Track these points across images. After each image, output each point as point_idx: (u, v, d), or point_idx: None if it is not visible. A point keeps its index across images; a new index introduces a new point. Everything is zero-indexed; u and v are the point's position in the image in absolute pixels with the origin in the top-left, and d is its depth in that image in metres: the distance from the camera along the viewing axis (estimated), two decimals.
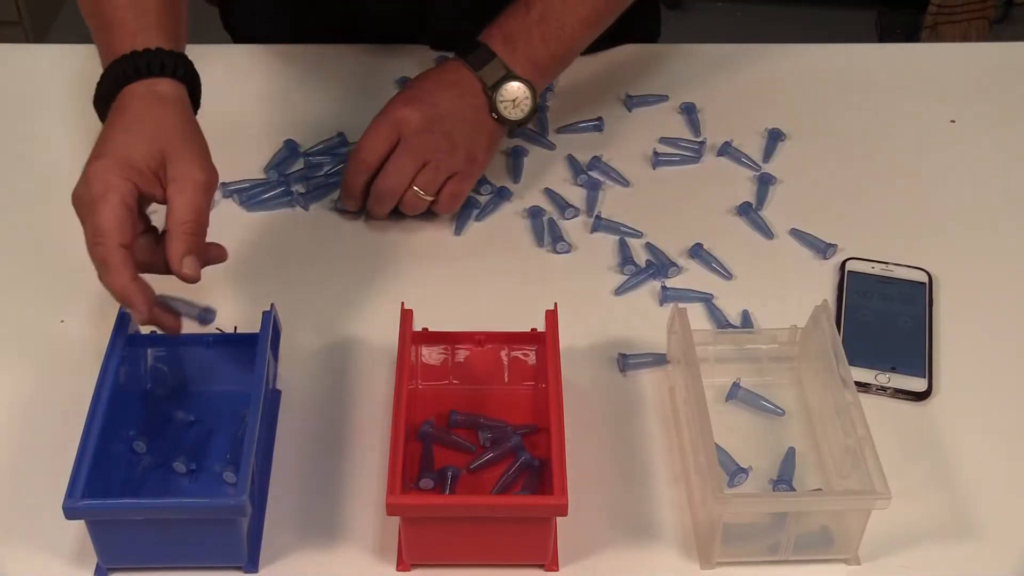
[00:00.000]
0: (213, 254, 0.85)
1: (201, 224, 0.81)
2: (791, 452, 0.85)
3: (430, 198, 1.00)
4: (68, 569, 0.79)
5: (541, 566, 0.79)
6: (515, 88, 1.01)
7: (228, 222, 1.05)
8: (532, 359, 0.89)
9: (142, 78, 0.84)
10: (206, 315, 0.84)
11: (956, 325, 0.96)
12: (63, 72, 1.21)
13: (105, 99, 0.86)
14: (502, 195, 1.08)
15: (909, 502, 0.82)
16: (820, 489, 0.83)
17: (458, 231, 1.04)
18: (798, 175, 1.11)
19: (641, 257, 1.02)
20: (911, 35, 2.67)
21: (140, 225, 0.82)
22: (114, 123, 0.83)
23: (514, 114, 1.01)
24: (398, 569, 0.79)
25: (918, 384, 0.90)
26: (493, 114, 1.01)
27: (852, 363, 0.90)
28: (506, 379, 0.89)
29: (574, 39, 1.04)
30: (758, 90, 1.20)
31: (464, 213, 1.05)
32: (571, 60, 1.06)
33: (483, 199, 1.07)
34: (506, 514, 0.76)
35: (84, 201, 0.81)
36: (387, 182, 0.99)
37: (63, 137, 1.14)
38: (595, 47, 1.21)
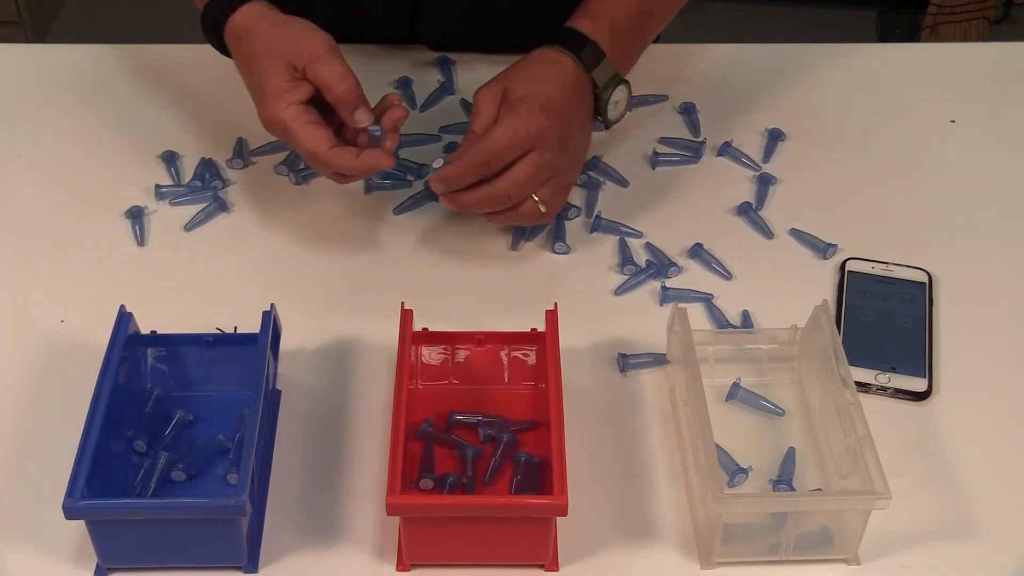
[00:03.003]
0: (388, 106, 0.96)
1: (350, 82, 0.93)
2: (791, 452, 0.85)
3: (544, 209, 0.95)
4: (68, 569, 0.79)
5: (541, 566, 0.79)
6: (620, 90, 0.99)
7: (227, 223, 1.05)
8: (532, 359, 0.89)
9: (236, 8, 0.95)
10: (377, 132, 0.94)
11: (956, 325, 0.96)
12: (63, 72, 1.21)
13: (214, 31, 0.98)
14: None
15: (909, 502, 0.82)
16: (820, 489, 0.83)
17: (515, 247, 1.03)
18: (798, 175, 1.11)
19: (641, 257, 1.02)
20: (911, 35, 2.67)
21: (330, 124, 0.94)
22: (247, 59, 0.95)
23: (614, 114, 1.00)
24: (398, 569, 0.79)
25: (918, 384, 0.90)
26: (599, 116, 0.99)
27: (852, 363, 0.90)
28: (506, 379, 0.89)
29: (655, 30, 1.03)
30: (758, 90, 1.20)
31: (518, 232, 1.03)
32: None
33: None
34: (506, 514, 0.76)
35: (276, 131, 0.94)
36: (510, 190, 0.93)
37: (63, 137, 1.14)
38: None
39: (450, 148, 1.12)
